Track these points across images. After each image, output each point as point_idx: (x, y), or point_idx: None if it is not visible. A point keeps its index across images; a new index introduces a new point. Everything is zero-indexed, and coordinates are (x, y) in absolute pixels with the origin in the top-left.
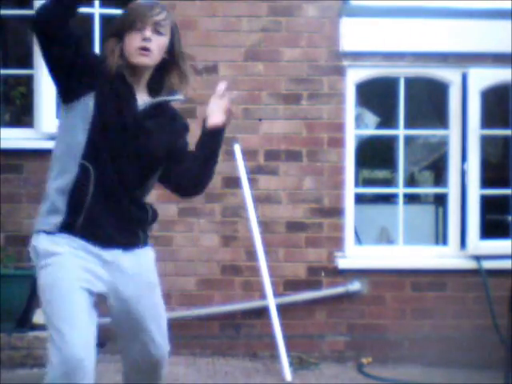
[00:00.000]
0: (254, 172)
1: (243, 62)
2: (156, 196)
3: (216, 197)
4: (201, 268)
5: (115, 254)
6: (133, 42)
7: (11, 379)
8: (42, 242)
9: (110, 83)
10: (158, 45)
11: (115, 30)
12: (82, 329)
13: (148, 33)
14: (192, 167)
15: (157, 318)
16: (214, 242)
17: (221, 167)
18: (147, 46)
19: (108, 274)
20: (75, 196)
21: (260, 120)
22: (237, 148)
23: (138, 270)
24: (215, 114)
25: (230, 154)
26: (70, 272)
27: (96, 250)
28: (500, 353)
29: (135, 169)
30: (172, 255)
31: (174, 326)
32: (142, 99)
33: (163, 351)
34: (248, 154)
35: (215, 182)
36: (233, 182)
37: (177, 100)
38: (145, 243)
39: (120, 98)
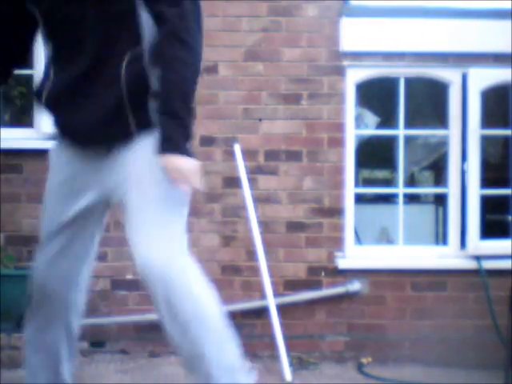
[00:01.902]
0: (254, 172)
1: (243, 61)
2: None
3: (216, 197)
4: (201, 268)
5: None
6: None
7: (11, 379)
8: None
9: None
10: None
11: None
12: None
13: None
14: None
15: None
16: (214, 242)
17: (221, 167)
18: None
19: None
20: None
21: (260, 120)
22: (237, 148)
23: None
24: None
25: (230, 154)
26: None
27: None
28: (500, 353)
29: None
30: None
31: None
32: None
33: (142, 260)
34: (248, 154)
35: (215, 182)
36: (233, 182)
37: None
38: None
39: None
